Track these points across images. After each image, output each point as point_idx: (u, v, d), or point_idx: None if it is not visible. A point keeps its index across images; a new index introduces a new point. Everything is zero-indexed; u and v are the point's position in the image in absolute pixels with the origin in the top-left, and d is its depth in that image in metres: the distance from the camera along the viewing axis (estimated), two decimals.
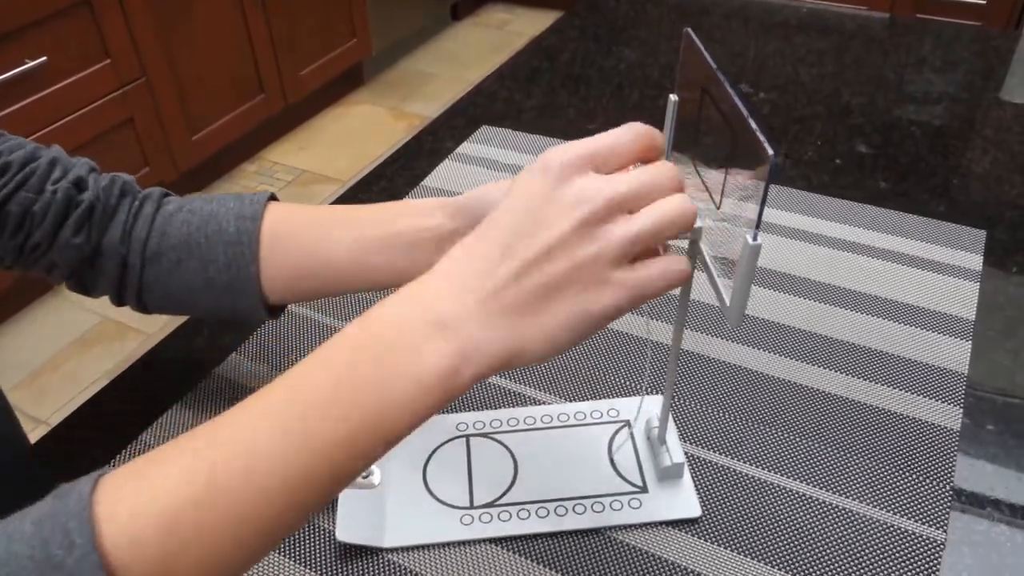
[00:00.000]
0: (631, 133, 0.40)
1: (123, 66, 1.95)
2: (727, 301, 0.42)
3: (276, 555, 0.54)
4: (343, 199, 0.88)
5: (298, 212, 0.56)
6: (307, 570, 0.54)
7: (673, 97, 0.49)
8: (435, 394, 0.36)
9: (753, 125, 0.37)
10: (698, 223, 0.45)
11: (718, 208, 0.43)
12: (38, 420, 1.63)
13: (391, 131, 2.64)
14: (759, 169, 0.37)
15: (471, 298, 0.36)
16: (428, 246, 0.52)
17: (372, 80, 2.93)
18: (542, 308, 0.37)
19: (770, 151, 0.36)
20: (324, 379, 0.36)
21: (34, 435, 0.64)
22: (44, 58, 1.76)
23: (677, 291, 0.44)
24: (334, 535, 0.54)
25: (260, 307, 0.56)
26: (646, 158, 0.41)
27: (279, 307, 0.59)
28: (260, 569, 0.54)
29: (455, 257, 0.38)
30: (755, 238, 0.38)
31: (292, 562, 0.54)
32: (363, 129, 2.67)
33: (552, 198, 0.37)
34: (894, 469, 0.58)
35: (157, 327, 1.88)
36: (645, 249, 0.38)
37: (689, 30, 0.44)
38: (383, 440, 0.36)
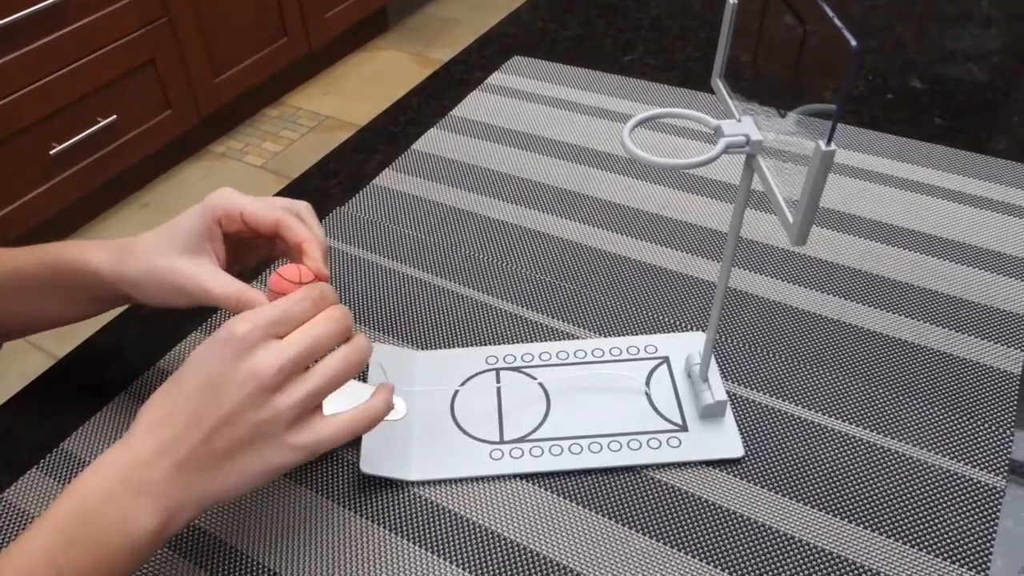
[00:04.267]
0: (306, 298, 0.46)
1: (145, 5, 1.91)
2: (790, 218, 0.39)
3: (298, 486, 0.52)
4: (370, 130, 0.85)
5: None
6: (331, 502, 0.51)
7: (732, 0, 0.45)
8: (149, 547, 0.42)
9: (831, 14, 0.33)
10: (756, 136, 0.42)
11: (783, 117, 0.39)
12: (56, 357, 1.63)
13: (415, 77, 2.56)
14: (840, 62, 0.33)
15: (167, 462, 0.42)
16: (99, 298, 0.55)
17: (396, 26, 2.86)
18: (229, 466, 0.43)
19: (853, 41, 0.32)
20: (41, 562, 0.40)
21: None
22: None
23: (727, 227, 0.41)
24: (358, 467, 0.52)
25: None
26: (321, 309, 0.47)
27: None
28: (284, 502, 0.52)
29: (150, 425, 0.43)
30: (829, 142, 0.35)
31: (315, 494, 0.52)
32: (387, 75, 2.61)
33: (231, 371, 0.42)
34: (950, 413, 0.55)
35: None
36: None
37: None
38: None
